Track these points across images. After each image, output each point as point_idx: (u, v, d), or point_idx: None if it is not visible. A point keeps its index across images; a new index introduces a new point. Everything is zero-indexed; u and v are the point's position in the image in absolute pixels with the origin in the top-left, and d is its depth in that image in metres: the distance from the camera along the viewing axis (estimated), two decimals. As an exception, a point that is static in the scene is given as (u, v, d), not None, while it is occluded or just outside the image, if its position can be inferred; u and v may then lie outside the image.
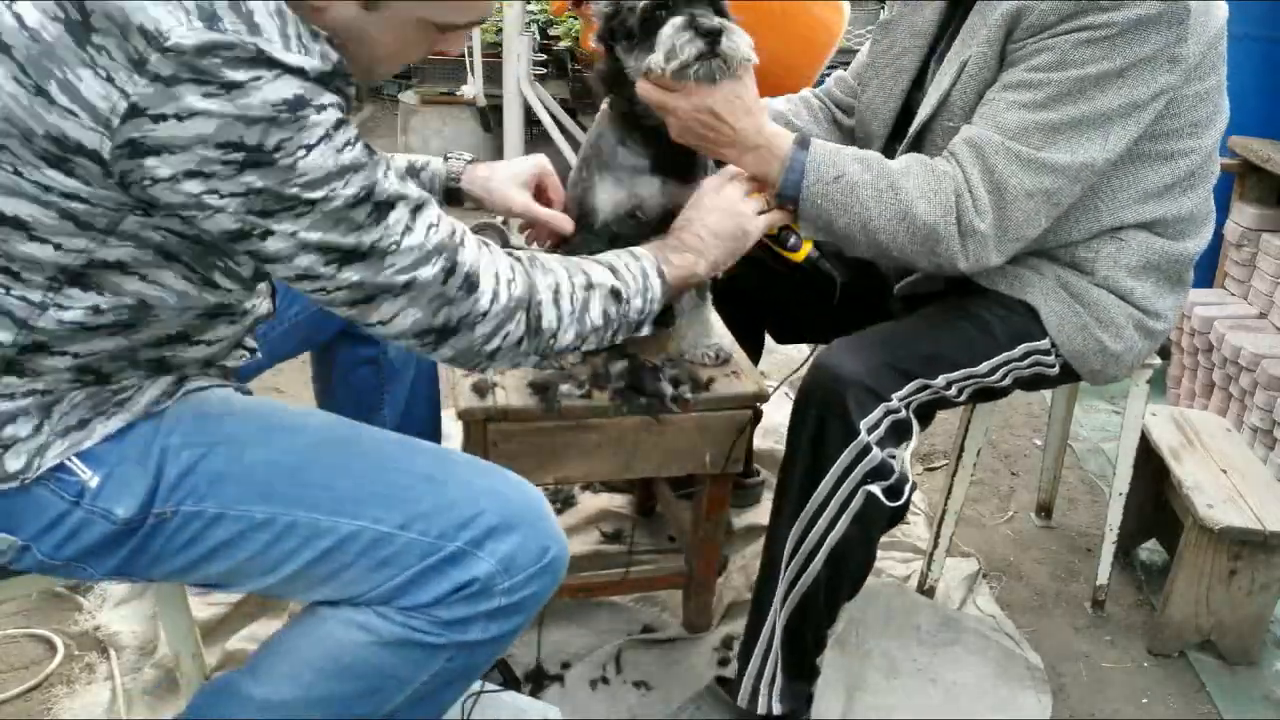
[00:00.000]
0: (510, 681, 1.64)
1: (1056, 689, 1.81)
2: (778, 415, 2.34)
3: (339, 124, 0.96)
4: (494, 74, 4.14)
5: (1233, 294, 2.76)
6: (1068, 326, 1.54)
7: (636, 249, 1.27)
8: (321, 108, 0.94)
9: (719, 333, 1.67)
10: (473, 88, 4.16)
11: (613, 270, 1.22)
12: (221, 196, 0.93)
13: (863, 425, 1.39)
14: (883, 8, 1.78)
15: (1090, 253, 1.53)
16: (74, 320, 1.01)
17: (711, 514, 1.71)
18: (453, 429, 1.79)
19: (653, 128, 1.44)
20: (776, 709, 1.49)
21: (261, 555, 1.09)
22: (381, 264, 1.02)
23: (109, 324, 1.04)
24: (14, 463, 1.03)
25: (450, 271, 1.06)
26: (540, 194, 1.55)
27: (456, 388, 1.53)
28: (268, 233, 0.96)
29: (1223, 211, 2.82)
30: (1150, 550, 2.21)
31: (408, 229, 1.03)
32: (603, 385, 1.54)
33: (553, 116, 3.96)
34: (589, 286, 1.18)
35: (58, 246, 0.97)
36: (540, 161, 1.56)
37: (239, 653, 1.70)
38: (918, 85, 1.65)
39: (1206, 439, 2.07)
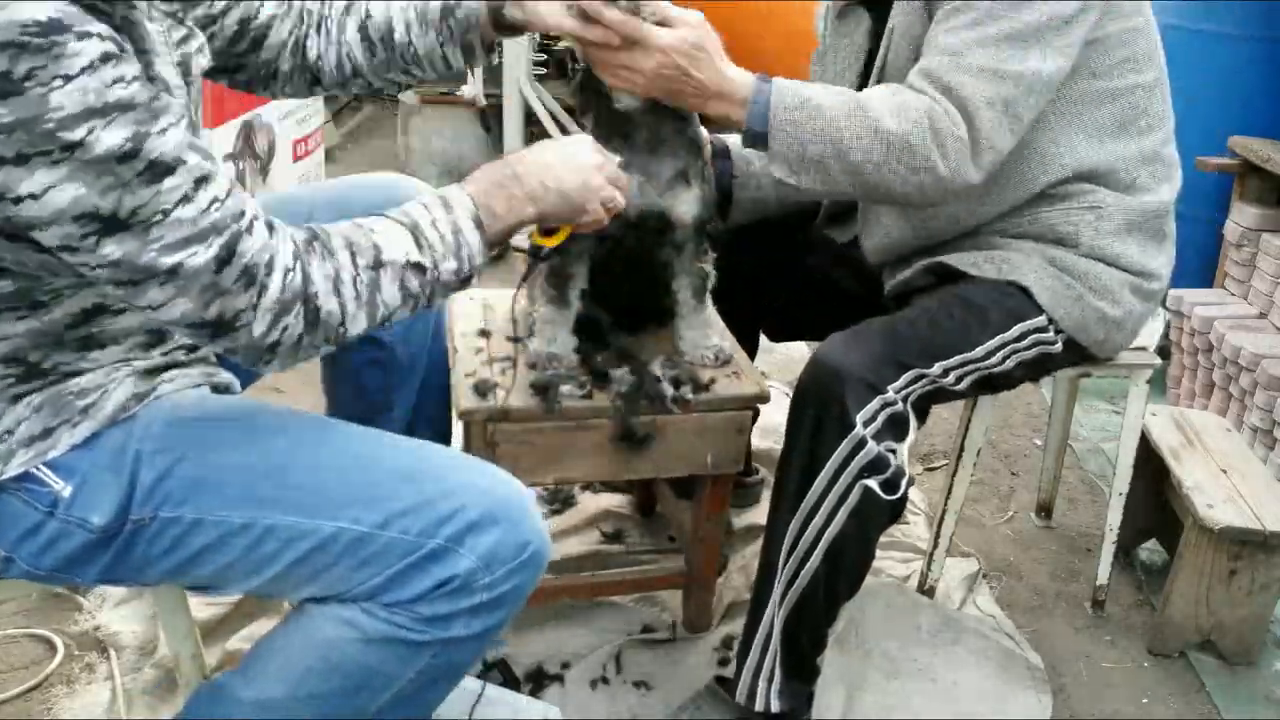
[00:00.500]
0: (510, 681, 1.64)
1: (1057, 689, 1.81)
2: (777, 415, 2.33)
3: (108, 57, 0.87)
4: (494, 74, 4.13)
5: (1233, 294, 2.76)
6: (1062, 300, 1.55)
7: (452, 193, 1.16)
8: (85, 35, 0.85)
9: (719, 334, 1.67)
10: (472, 88, 4.15)
11: (415, 235, 1.11)
12: None
13: (859, 419, 1.39)
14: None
15: (1071, 226, 1.55)
16: None
17: (711, 514, 1.71)
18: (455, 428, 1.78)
19: (628, 132, 1.46)
20: (775, 706, 1.49)
21: (243, 559, 1.09)
22: (146, 238, 0.92)
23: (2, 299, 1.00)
24: None
25: (226, 261, 0.96)
26: None
27: (458, 388, 1.53)
28: (20, 196, 0.87)
29: (1223, 211, 2.82)
30: (1150, 550, 2.21)
31: (185, 199, 0.93)
32: (603, 386, 1.54)
33: (553, 116, 3.95)
34: (377, 265, 1.07)
35: None
36: None
37: (239, 653, 1.69)
38: None
39: (1206, 439, 2.07)
